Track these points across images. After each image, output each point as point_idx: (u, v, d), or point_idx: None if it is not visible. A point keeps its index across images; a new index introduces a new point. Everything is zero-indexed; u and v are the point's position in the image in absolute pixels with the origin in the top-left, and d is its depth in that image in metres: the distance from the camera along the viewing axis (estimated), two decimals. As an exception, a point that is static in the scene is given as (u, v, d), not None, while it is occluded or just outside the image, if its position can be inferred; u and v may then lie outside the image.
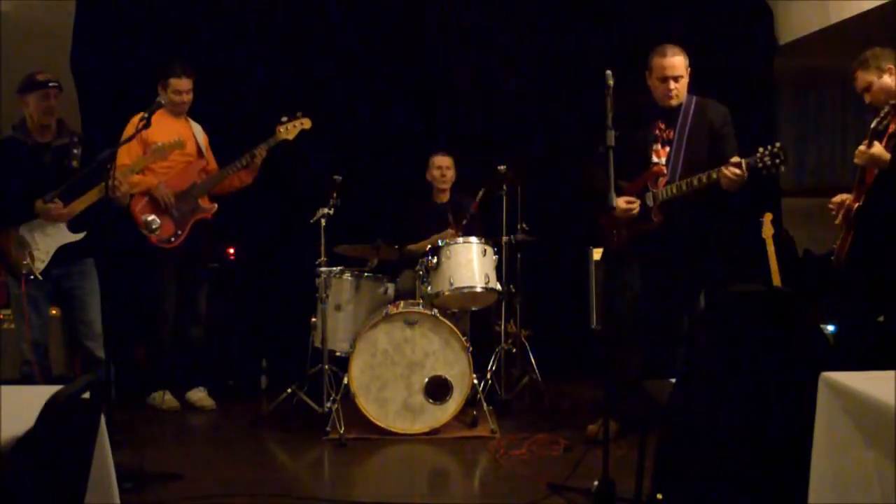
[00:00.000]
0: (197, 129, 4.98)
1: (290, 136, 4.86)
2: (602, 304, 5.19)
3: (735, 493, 2.49)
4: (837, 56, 5.86)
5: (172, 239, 4.78)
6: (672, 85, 3.99)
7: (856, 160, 3.66)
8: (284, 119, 4.85)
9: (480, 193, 4.91)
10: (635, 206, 4.02)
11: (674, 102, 4.04)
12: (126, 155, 4.43)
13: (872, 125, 3.58)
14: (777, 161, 3.67)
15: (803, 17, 5.49)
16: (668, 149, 4.05)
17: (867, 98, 3.79)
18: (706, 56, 4.31)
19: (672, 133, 4.05)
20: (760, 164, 3.69)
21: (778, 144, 3.70)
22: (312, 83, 5.69)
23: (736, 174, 3.70)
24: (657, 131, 4.09)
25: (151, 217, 4.50)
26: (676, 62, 3.99)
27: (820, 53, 5.84)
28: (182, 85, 4.80)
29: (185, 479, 3.58)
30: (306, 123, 4.88)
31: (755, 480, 2.45)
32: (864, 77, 3.78)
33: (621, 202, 3.96)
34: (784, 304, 2.55)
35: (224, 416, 4.82)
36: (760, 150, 3.71)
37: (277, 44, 5.70)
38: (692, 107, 4.06)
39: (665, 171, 4.03)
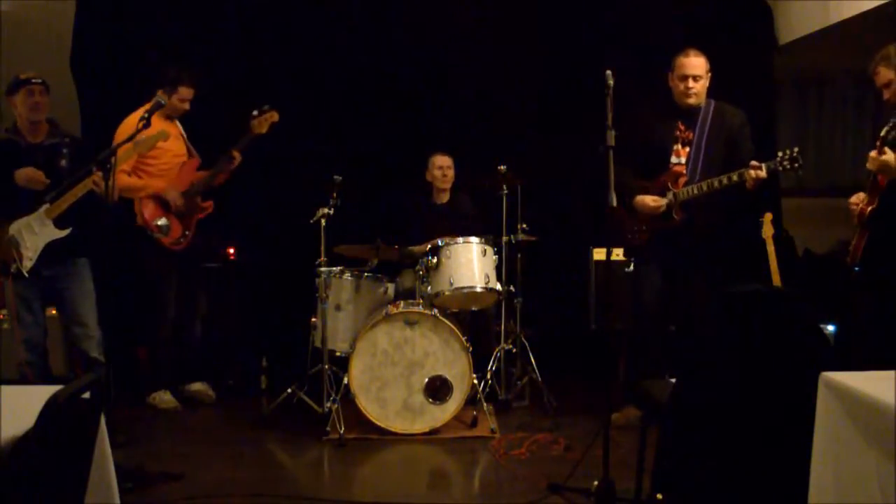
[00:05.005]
0: (180, 128, 4.99)
1: (264, 130, 4.85)
2: (605, 302, 5.20)
3: (735, 492, 2.49)
4: (837, 56, 5.86)
5: (181, 240, 4.79)
6: (691, 83, 4.16)
7: (868, 166, 3.67)
8: (255, 113, 4.84)
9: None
10: (662, 204, 4.19)
11: (692, 101, 4.19)
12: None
13: (882, 134, 3.56)
14: (796, 165, 3.83)
15: (803, 17, 5.48)
16: (687, 149, 4.21)
17: (886, 94, 3.72)
18: (706, 56, 4.32)
19: (691, 134, 4.22)
20: (781, 168, 3.85)
21: (797, 149, 3.83)
22: (312, 83, 5.68)
23: (760, 176, 3.85)
24: (677, 132, 4.24)
25: (163, 220, 4.48)
26: (697, 63, 4.18)
27: (820, 53, 5.85)
28: (189, 94, 4.83)
29: (185, 479, 3.58)
30: (275, 116, 4.85)
31: (755, 480, 2.45)
32: (885, 73, 3.69)
33: (649, 200, 4.20)
34: (784, 304, 2.55)
35: (224, 416, 4.83)
36: (780, 154, 3.86)
37: (277, 44, 5.68)
38: (711, 109, 4.24)
39: (685, 172, 4.20)
